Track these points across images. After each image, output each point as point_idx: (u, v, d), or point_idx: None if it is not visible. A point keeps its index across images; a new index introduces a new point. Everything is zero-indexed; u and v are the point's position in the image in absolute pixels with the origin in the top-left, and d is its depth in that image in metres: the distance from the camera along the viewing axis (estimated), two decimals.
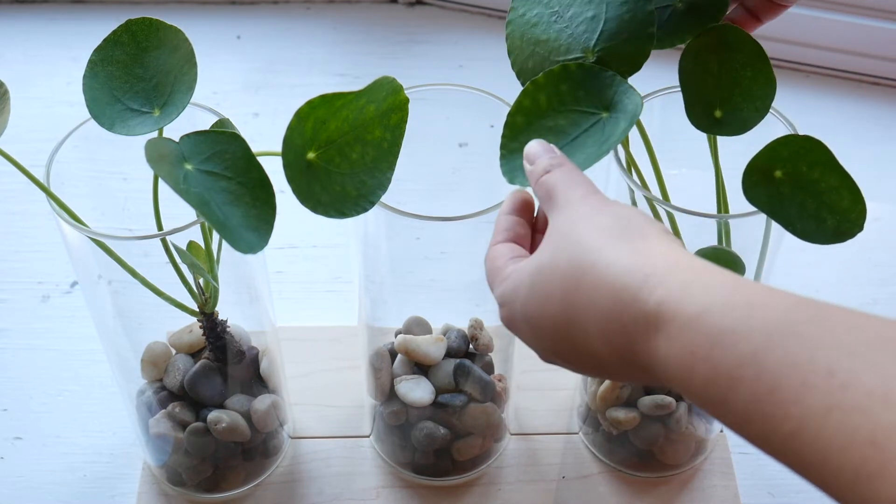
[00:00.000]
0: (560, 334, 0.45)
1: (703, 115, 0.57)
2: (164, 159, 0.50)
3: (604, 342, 0.43)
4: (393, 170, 0.54)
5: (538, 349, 0.48)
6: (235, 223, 0.50)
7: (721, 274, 0.41)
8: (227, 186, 0.51)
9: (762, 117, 0.56)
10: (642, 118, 0.58)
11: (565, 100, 0.53)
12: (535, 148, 0.52)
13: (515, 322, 0.48)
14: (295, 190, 0.51)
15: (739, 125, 0.56)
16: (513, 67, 0.57)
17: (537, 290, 0.46)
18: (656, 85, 0.62)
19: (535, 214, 0.53)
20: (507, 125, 0.53)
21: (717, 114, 0.57)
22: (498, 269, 0.50)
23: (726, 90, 0.56)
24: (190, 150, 0.52)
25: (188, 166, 0.51)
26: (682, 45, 0.58)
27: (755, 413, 0.37)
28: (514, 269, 0.48)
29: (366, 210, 0.54)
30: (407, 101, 0.54)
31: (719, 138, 0.60)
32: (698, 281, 0.41)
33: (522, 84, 0.56)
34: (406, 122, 0.54)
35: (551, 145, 0.52)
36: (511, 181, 0.53)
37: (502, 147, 0.54)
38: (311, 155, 0.51)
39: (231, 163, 0.51)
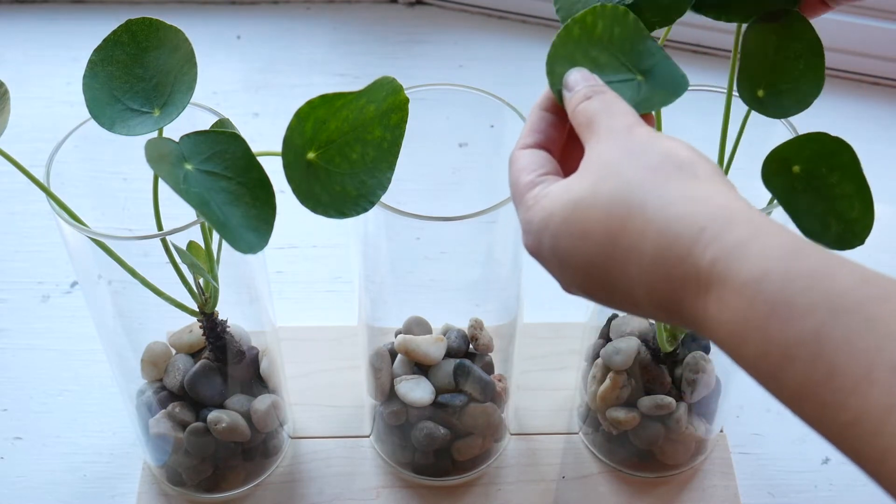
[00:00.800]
0: (594, 273, 0.42)
1: (748, 89, 0.57)
2: (164, 159, 0.50)
3: (646, 290, 0.40)
4: (393, 170, 0.54)
5: (563, 281, 0.45)
6: (235, 223, 0.50)
7: (781, 233, 0.38)
8: (227, 186, 0.51)
9: (801, 110, 0.56)
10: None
11: (614, 41, 0.52)
12: (575, 75, 0.49)
13: (542, 252, 0.45)
14: (295, 190, 0.51)
15: (777, 110, 0.56)
16: (558, 13, 0.55)
17: (573, 224, 0.42)
18: None
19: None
20: (565, 28, 0.51)
21: (760, 93, 0.56)
22: (523, 189, 0.46)
23: (775, 74, 0.56)
24: (190, 150, 0.52)
25: (188, 166, 0.51)
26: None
27: (810, 396, 0.35)
28: (544, 195, 0.45)
29: (366, 210, 0.53)
30: (407, 101, 0.54)
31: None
32: (757, 239, 0.37)
33: (557, 12, 0.55)
34: (406, 122, 0.54)
35: (592, 75, 0.49)
36: (551, 83, 0.51)
37: (553, 46, 0.51)
38: (311, 155, 0.51)
39: (231, 163, 0.51)
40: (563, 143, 0.50)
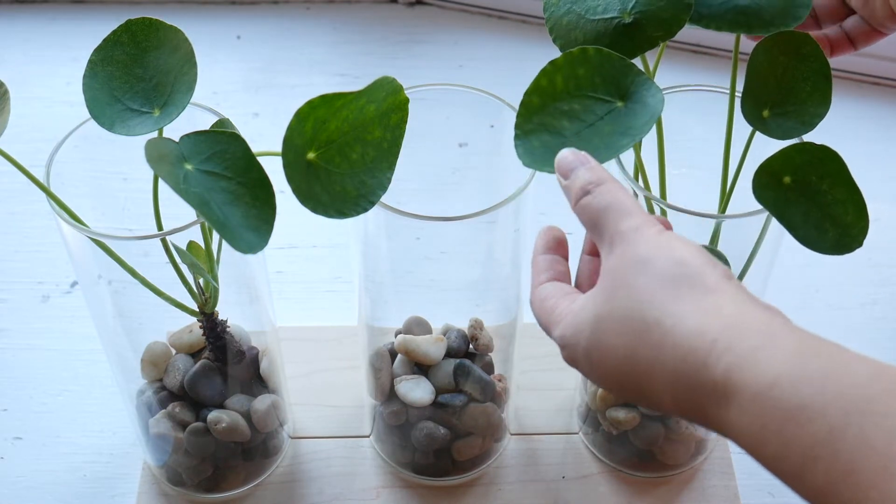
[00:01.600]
0: (625, 382, 0.44)
1: (752, 109, 0.57)
2: (164, 159, 0.50)
3: (671, 398, 0.42)
4: (393, 170, 0.54)
5: (604, 388, 0.48)
6: (235, 223, 0.50)
7: (791, 335, 0.40)
8: (227, 186, 0.51)
9: (806, 132, 0.56)
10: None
11: (582, 84, 0.52)
12: (568, 157, 0.49)
13: (579, 364, 0.47)
14: (295, 190, 0.50)
15: (781, 131, 0.56)
16: (546, 23, 0.56)
17: (599, 339, 0.45)
18: (659, 84, 0.62)
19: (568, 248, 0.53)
20: (522, 105, 0.52)
21: (765, 113, 0.57)
22: (550, 310, 0.48)
23: (781, 95, 0.56)
24: (190, 150, 0.52)
25: (188, 166, 0.51)
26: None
27: (831, 493, 0.36)
28: (570, 311, 0.47)
29: (366, 210, 0.53)
30: (407, 101, 0.54)
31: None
32: (767, 345, 0.39)
33: (554, 41, 0.56)
34: (406, 122, 0.54)
35: (583, 153, 0.49)
36: (527, 164, 0.52)
37: (517, 128, 0.52)
38: (311, 155, 0.51)
39: (231, 163, 0.51)
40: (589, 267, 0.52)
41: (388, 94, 0.53)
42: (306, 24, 1.14)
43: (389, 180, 0.54)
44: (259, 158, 0.52)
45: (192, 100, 0.57)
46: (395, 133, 0.54)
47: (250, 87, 1.07)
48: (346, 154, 0.52)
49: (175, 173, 0.50)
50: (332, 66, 1.10)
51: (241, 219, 0.50)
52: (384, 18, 1.15)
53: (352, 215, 0.53)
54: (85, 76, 0.57)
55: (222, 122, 0.59)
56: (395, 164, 0.54)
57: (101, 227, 0.58)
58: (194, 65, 0.57)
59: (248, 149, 0.52)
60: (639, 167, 0.61)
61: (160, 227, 0.58)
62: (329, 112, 0.51)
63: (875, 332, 0.85)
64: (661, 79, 0.61)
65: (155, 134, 0.56)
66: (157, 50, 0.57)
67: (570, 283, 0.51)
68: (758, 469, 0.79)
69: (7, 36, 1.12)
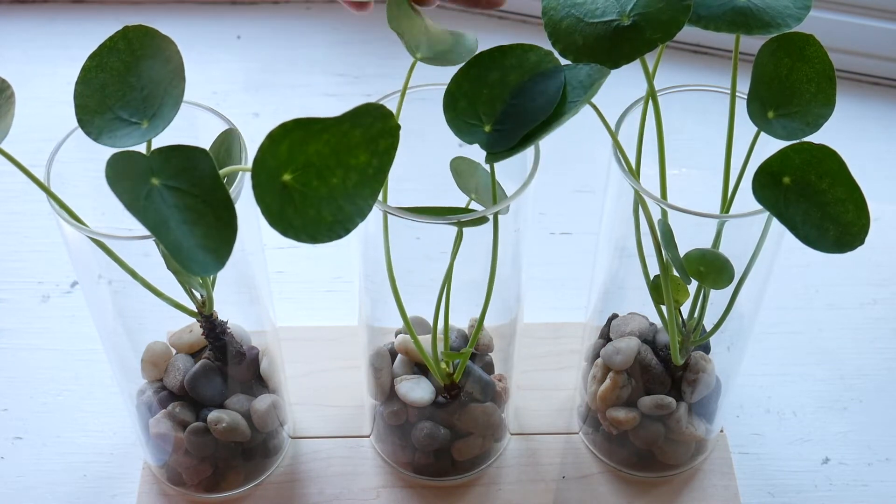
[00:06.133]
0: None
1: (758, 110, 0.57)
2: (127, 174, 0.49)
3: None
4: (376, 197, 0.51)
5: None
6: (194, 243, 0.48)
7: None
8: (192, 204, 0.49)
9: (811, 133, 0.56)
10: (647, 116, 0.57)
11: None
12: None
13: None
14: (264, 211, 0.48)
15: (786, 133, 0.57)
16: (545, 28, 0.57)
17: None
18: (656, 84, 0.62)
19: None
20: None
21: (770, 114, 0.57)
22: None
23: (786, 96, 0.57)
24: (160, 164, 0.50)
25: (155, 181, 0.50)
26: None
27: None
28: None
29: (340, 237, 0.50)
30: (398, 127, 0.51)
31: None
32: None
33: (554, 45, 0.57)
34: (396, 148, 0.51)
35: None
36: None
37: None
38: (286, 177, 0.49)
39: (199, 180, 0.49)
40: None
41: (376, 119, 0.50)
42: (306, 24, 1.14)
43: (371, 207, 0.51)
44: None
45: (192, 100, 0.56)
46: (382, 159, 0.51)
47: (250, 87, 1.07)
48: (326, 178, 0.50)
49: (137, 189, 0.49)
50: (332, 66, 1.10)
51: (200, 239, 0.48)
52: (384, 18, 1.15)
53: (324, 241, 0.50)
54: (78, 83, 0.56)
55: (231, 133, 0.59)
56: (378, 192, 0.51)
57: (101, 227, 0.58)
58: (183, 79, 0.55)
59: (214, 167, 0.50)
60: (637, 167, 0.61)
61: None
62: (307, 135, 0.49)
63: (875, 332, 0.85)
64: (661, 79, 0.61)
65: (140, 147, 0.55)
66: (150, 59, 0.56)
67: None
68: (758, 469, 0.79)
69: (7, 36, 1.12)
